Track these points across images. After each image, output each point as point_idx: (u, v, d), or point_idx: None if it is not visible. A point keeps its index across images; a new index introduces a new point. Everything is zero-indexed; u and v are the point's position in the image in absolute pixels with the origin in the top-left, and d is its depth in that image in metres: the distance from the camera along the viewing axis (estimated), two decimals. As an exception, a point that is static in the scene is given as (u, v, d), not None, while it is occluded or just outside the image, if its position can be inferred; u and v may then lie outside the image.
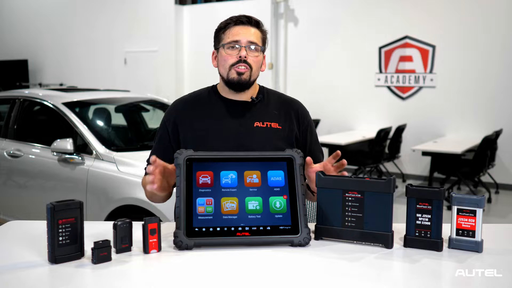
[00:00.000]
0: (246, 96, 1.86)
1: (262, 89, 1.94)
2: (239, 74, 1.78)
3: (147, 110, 4.89)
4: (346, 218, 1.56)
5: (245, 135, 1.81)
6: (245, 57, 1.77)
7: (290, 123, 1.88)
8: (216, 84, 1.94)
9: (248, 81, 1.80)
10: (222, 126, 1.82)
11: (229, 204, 1.54)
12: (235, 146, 1.76)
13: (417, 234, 1.52)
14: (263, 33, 1.86)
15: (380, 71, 7.81)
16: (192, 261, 1.41)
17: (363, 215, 1.54)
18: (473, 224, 1.49)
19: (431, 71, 7.42)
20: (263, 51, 1.85)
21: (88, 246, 1.40)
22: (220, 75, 1.84)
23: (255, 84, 1.89)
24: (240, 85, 1.80)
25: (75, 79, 10.48)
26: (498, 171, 6.94)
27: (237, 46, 1.78)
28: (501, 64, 6.93)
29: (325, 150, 7.18)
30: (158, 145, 1.91)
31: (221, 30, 1.83)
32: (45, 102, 4.11)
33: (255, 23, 1.84)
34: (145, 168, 1.97)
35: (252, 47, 1.79)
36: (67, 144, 3.59)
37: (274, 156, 1.63)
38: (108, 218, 3.31)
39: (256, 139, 1.81)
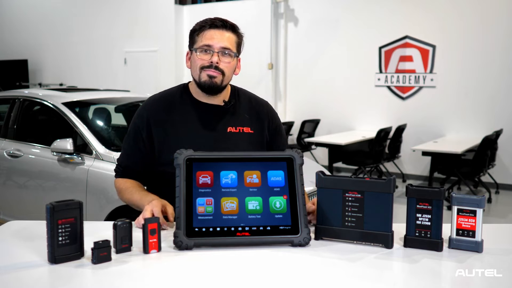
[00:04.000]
0: (218, 99, 1.85)
1: (233, 90, 1.92)
2: (211, 77, 1.76)
3: (147, 110, 4.88)
4: (346, 218, 1.56)
5: (219, 141, 1.81)
6: (217, 63, 1.75)
7: (261, 125, 1.90)
8: (188, 83, 1.91)
9: (220, 86, 1.79)
10: (196, 131, 1.81)
11: (229, 204, 1.54)
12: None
13: (417, 234, 1.52)
14: (239, 37, 1.82)
15: (380, 71, 7.81)
16: (192, 261, 1.41)
17: (363, 215, 1.54)
18: (473, 224, 1.48)
19: (431, 71, 7.42)
20: (237, 56, 1.82)
21: (88, 246, 1.40)
22: (193, 77, 1.82)
23: (227, 87, 1.88)
24: (211, 88, 1.78)
25: (75, 79, 10.48)
26: (498, 171, 6.94)
27: (209, 50, 1.75)
28: (501, 64, 6.93)
29: (325, 150, 7.19)
30: (134, 148, 1.86)
31: (195, 32, 1.78)
32: (45, 102, 4.11)
33: (230, 27, 1.79)
34: (115, 170, 1.93)
35: (225, 52, 1.76)
36: (67, 144, 3.59)
37: (274, 156, 1.63)
38: (108, 218, 3.31)
39: (230, 144, 1.81)
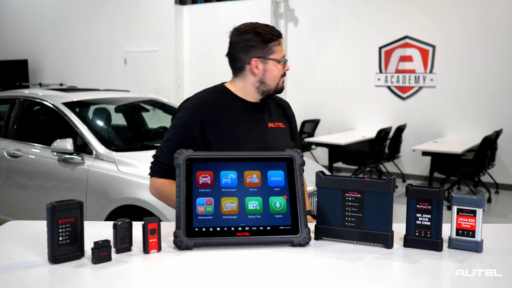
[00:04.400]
0: (258, 98, 1.94)
1: None
2: (283, 83, 1.93)
3: (147, 110, 4.89)
4: (346, 218, 1.56)
5: (264, 136, 1.90)
6: None
7: (289, 121, 2.04)
8: (223, 84, 1.95)
9: None
10: (246, 128, 1.88)
11: (229, 204, 1.54)
12: (258, 147, 1.80)
13: (417, 234, 1.52)
14: None
15: (380, 71, 7.81)
16: (192, 261, 1.41)
17: (363, 215, 1.54)
18: (473, 224, 1.48)
19: (431, 71, 7.42)
20: None
21: (88, 246, 1.40)
22: (263, 83, 1.89)
23: None
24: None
25: (75, 79, 10.48)
26: (498, 171, 6.94)
27: (283, 61, 1.91)
28: (501, 64, 6.93)
29: (325, 150, 7.19)
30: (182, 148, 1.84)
31: (271, 42, 1.86)
32: (45, 102, 4.11)
33: None
34: (153, 168, 1.92)
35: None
36: (67, 144, 3.59)
37: (274, 156, 1.63)
38: (108, 218, 3.31)
39: (273, 139, 1.91)
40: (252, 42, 1.85)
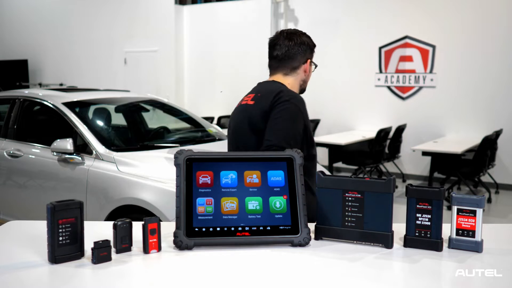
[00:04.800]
0: None
1: None
2: None
3: (147, 110, 4.89)
4: (346, 218, 1.56)
5: None
6: None
7: None
8: (276, 81, 2.07)
9: None
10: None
11: (229, 204, 1.54)
12: None
13: (417, 234, 1.52)
14: None
15: (380, 71, 7.81)
16: (192, 261, 1.41)
17: (363, 215, 1.54)
18: (473, 224, 1.48)
19: (431, 71, 7.42)
20: None
21: (88, 246, 1.40)
22: (304, 82, 2.14)
23: None
24: None
25: (75, 79, 10.48)
26: (498, 171, 6.94)
27: None
28: (501, 64, 6.93)
29: (325, 150, 7.19)
30: (302, 138, 1.98)
31: (314, 48, 2.12)
32: (45, 102, 4.11)
33: None
34: None
35: None
36: (67, 144, 3.59)
37: (274, 156, 1.63)
38: (108, 218, 3.31)
39: None
40: (309, 45, 2.09)
